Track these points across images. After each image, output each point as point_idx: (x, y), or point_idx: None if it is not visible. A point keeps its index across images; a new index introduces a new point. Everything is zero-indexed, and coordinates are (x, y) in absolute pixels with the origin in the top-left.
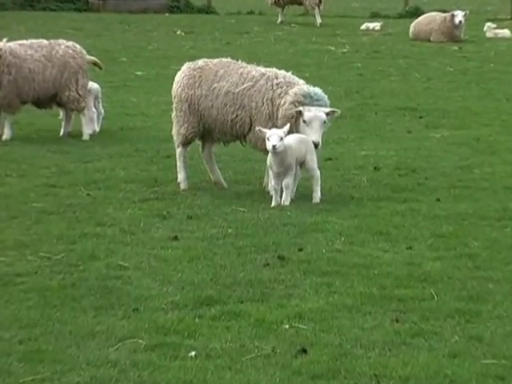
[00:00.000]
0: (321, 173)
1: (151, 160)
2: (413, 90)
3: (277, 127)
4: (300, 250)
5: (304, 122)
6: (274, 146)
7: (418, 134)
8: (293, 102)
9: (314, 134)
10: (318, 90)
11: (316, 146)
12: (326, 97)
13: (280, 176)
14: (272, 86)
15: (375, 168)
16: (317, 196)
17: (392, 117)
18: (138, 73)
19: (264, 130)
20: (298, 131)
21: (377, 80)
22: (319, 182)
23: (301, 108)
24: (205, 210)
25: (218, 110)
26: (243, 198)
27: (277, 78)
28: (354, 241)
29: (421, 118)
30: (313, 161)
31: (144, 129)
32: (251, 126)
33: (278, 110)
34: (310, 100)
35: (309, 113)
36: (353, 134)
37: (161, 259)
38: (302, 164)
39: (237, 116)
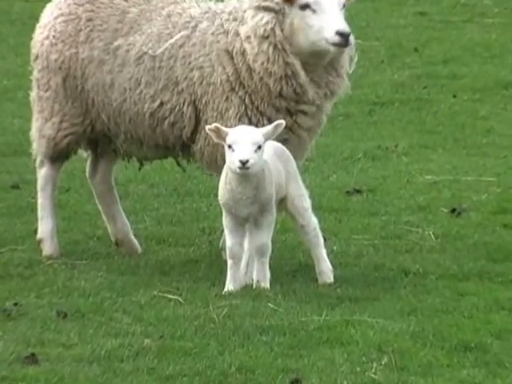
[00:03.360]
0: (339, 220)
1: None
2: None
3: (252, 120)
4: (295, 382)
5: (304, 7)
6: (242, 163)
7: None
8: (257, 7)
9: (333, 21)
10: None
11: (345, 43)
12: None
13: (243, 226)
14: (222, 25)
15: (453, 210)
16: (326, 269)
17: (488, 103)
18: None
19: (224, 128)
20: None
21: (456, 26)
22: (322, 241)
23: None
24: (95, 298)
25: (126, 93)
26: (176, 273)
27: (225, 11)
28: (409, 364)
29: None
30: (302, 196)
31: None
32: (197, 121)
33: (243, 62)
34: None
35: None
36: (406, 140)
37: None
38: (280, 201)
39: (162, 104)
